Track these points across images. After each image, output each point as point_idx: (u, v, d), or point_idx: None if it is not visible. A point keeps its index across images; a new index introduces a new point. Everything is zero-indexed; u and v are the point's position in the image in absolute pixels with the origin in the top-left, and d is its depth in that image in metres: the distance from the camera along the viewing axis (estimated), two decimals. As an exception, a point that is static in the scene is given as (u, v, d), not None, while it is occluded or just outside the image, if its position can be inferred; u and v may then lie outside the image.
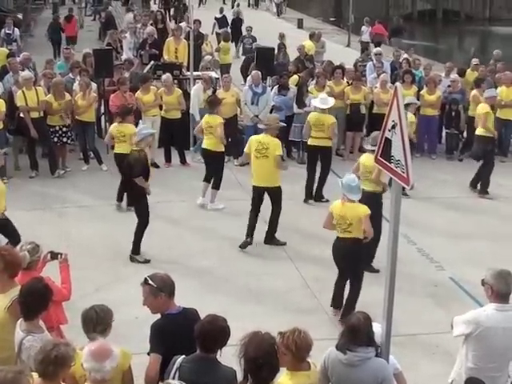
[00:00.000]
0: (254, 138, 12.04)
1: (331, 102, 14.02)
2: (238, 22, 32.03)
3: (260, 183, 11.84)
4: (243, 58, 23.16)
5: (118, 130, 13.36)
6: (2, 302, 6.58)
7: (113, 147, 13.87)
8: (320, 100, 13.96)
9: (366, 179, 10.87)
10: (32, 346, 5.85)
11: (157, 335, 6.19)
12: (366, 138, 16.86)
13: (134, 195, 11.72)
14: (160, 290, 6.28)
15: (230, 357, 5.57)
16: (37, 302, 6.18)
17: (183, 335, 5.86)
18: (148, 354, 6.18)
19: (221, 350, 5.65)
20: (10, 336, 6.27)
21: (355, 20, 37.13)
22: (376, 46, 30.82)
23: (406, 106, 13.37)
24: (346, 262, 9.57)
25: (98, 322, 5.97)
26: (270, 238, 12.05)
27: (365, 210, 9.38)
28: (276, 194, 11.94)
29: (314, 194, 14.10)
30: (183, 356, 5.73)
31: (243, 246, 11.75)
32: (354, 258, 9.49)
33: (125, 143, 13.10)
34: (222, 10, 33.80)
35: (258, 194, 11.95)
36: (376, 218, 10.17)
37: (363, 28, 32.30)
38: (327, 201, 13.15)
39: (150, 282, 6.30)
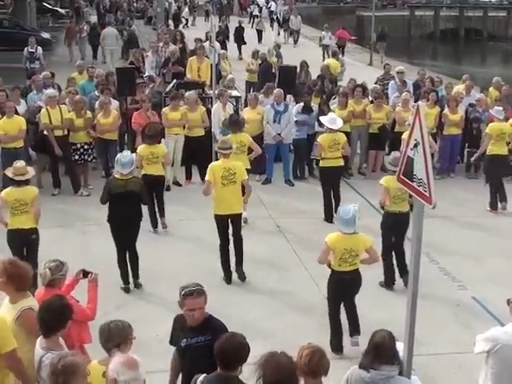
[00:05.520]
0: (216, 165, 11.27)
1: (339, 122, 13.77)
2: (240, 30, 36.51)
3: (226, 211, 11.16)
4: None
5: (151, 151, 12.92)
6: (10, 313, 6.52)
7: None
8: (329, 120, 13.73)
9: (402, 200, 10.84)
10: (51, 363, 5.82)
11: None
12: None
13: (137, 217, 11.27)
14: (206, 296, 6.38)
15: (245, 376, 5.54)
16: (54, 319, 6.07)
17: None
18: None
19: (241, 368, 5.61)
20: (22, 348, 6.22)
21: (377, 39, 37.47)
22: (339, 49, 33.48)
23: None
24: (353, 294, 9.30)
25: (109, 337, 5.91)
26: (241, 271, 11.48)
27: (369, 239, 9.03)
28: (239, 222, 11.46)
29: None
30: (204, 375, 5.71)
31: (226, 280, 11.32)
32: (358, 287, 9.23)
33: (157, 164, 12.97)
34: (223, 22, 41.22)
35: (224, 223, 11.31)
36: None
37: (323, 33, 36.64)
38: None
39: (203, 290, 6.35)
